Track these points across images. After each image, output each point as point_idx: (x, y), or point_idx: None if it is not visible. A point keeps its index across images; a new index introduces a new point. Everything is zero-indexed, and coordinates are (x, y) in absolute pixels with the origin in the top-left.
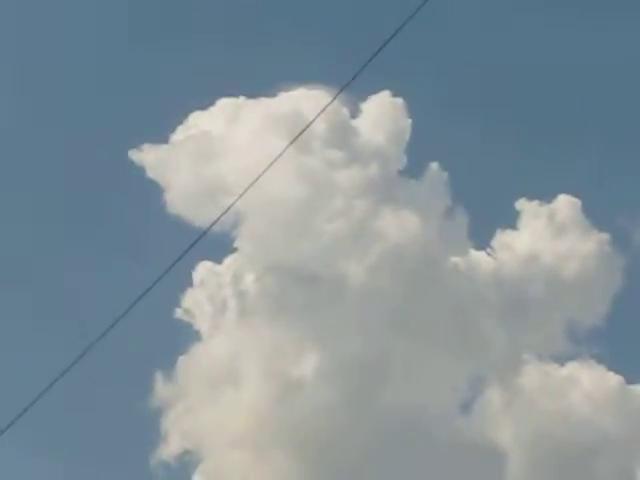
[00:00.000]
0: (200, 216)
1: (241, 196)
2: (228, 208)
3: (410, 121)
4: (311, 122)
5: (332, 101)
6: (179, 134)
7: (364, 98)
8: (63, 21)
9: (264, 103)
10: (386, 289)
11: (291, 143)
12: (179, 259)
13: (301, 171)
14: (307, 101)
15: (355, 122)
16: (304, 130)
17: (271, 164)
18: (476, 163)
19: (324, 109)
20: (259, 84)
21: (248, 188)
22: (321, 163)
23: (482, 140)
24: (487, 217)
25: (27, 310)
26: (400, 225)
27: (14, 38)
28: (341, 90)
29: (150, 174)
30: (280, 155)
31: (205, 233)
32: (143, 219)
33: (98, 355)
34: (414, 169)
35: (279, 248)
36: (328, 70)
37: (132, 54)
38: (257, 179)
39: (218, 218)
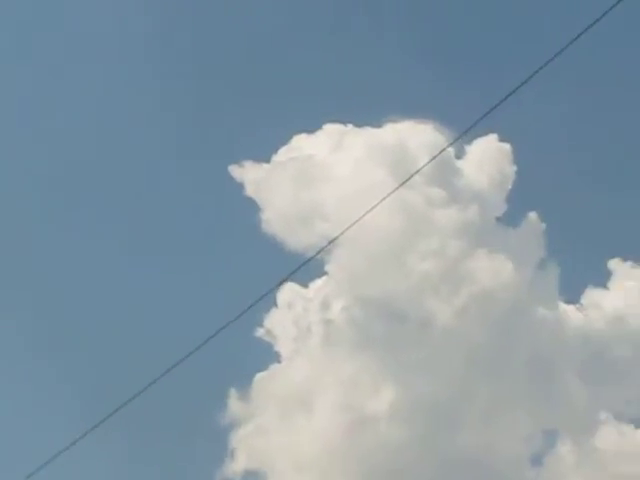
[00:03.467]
0: (294, 239)
1: (342, 232)
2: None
3: (515, 168)
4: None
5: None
6: (281, 155)
7: (470, 140)
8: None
9: (370, 133)
10: (471, 332)
11: (402, 184)
12: (279, 284)
13: (400, 205)
14: (413, 135)
15: (459, 163)
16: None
17: (378, 203)
18: (576, 217)
19: (435, 156)
20: (367, 113)
21: (353, 224)
22: (421, 199)
23: (586, 194)
24: (579, 273)
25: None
26: (492, 270)
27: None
28: (456, 139)
29: (249, 191)
30: (389, 195)
31: (309, 261)
32: (237, 235)
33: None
34: (512, 217)
35: (369, 279)
36: (437, 105)
37: (249, 68)
38: (364, 215)
39: (324, 248)
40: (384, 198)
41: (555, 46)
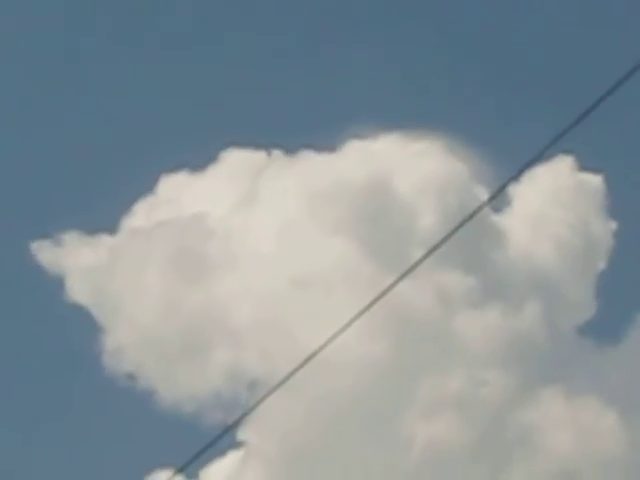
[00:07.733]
0: (170, 384)
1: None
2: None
3: (614, 225)
4: None
5: None
6: (139, 216)
7: (518, 171)
8: None
9: (317, 161)
10: None
11: None
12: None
13: (387, 316)
14: (404, 161)
15: (499, 219)
16: None
17: (354, 319)
18: None
19: None
20: (309, 122)
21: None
22: (427, 296)
23: None
24: None
25: None
26: (577, 430)
27: None
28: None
29: (71, 291)
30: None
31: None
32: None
33: None
34: (612, 324)
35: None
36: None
37: None
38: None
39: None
40: (363, 310)
41: None
